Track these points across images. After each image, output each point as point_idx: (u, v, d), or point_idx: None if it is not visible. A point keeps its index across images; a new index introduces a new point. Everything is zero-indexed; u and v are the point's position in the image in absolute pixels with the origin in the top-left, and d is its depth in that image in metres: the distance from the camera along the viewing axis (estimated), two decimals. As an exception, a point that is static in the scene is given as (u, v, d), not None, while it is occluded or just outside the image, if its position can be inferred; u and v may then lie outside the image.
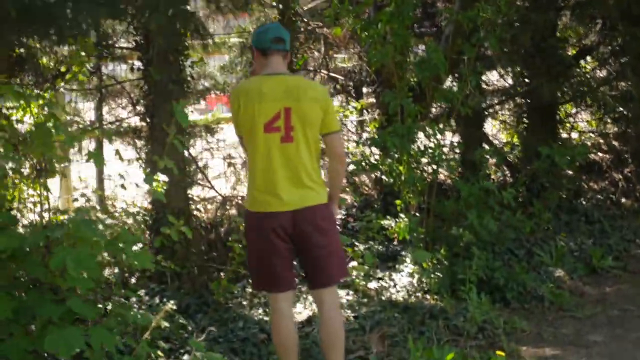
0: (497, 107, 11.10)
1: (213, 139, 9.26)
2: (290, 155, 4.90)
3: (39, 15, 5.16)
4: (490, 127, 11.55)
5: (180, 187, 7.64)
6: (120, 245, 4.64)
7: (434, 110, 9.20)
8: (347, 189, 10.64)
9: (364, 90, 10.69)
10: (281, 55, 5.10)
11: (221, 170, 9.53)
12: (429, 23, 10.21)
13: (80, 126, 8.41)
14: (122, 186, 5.45)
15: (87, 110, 9.09)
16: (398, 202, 7.94)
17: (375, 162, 7.57)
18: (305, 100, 4.92)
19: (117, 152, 5.22)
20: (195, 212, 8.64)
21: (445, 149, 8.04)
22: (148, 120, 7.61)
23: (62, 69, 7.81)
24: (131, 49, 7.88)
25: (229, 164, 9.49)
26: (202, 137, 9.20)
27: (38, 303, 4.30)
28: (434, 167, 7.76)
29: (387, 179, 7.68)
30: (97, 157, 5.46)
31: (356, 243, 8.28)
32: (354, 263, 7.51)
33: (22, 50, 7.51)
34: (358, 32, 7.79)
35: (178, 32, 7.37)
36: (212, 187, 8.78)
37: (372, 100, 10.18)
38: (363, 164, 7.52)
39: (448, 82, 9.05)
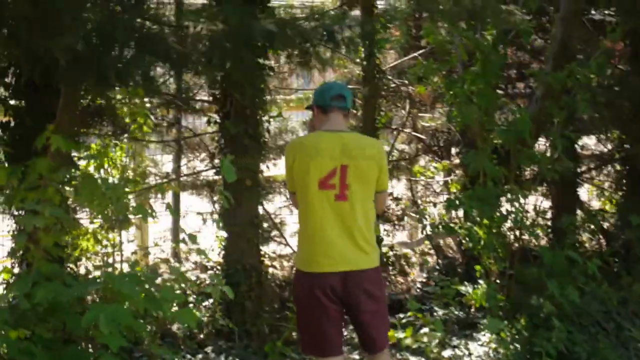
0: (594, 172, 10.74)
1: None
2: (344, 214, 4.84)
3: (86, 63, 5.16)
4: (586, 193, 11.19)
5: (253, 243, 7.59)
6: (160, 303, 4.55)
7: (525, 174, 8.96)
8: (430, 251, 10.45)
9: (453, 150, 10.51)
10: (341, 113, 5.08)
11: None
12: (523, 84, 10.00)
13: (158, 179, 8.53)
14: (183, 241, 5.38)
15: (164, 162, 9.15)
16: (478, 267, 7.70)
17: (453, 225, 7.36)
18: (363, 158, 4.89)
19: (169, 205, 5.16)
20: (270, 269, 8.60)
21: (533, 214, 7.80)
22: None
23: (127, 120, 7.91)
24: (209, 102, 7.92)
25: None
26: (282, 193, 9.17)
27: (74, 358, 4.25)
28: (517, 232, 7.50)
29: (466, 243, 7.45)
30: (172, 210, 5.46)
31: (435, 308, 8.06)
32: (425, 329, 7.28)
33: (102, 100, 7.65)
34: (443, 90, 7.67)
35: (257, 87, 7.37)
36: (287, 244, 8.69)
37: (458, 161, 9.99)
38: (440, 226, 7.31)
39: (541, 145, 8.81)
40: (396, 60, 9.48)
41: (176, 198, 8.70)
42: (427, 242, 10.42)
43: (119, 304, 4.35)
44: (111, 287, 4.49)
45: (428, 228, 7.50)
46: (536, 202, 9.68)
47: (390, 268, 9.86)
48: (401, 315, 7.52)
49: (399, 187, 10.52)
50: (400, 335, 7.10)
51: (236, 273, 7.52)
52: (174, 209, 8.51)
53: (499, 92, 7.64)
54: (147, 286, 4.69)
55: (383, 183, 5.03)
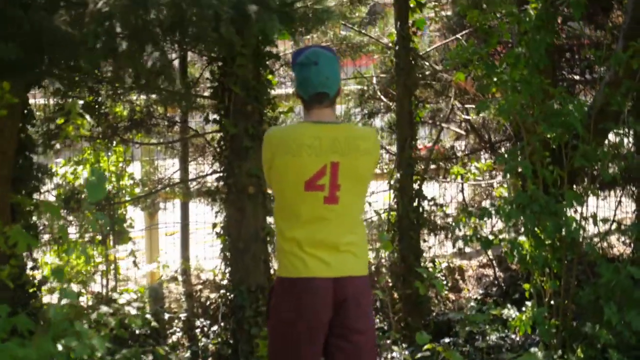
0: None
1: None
2: (333, 217, 4.32)
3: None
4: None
5: (259, 259, 6.91)
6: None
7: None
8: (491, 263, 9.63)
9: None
10: (327, 106, 4.38)
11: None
12: (588, 70, 9.07)
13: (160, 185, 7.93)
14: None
15: (167, 167, 8.53)
16: (526, 286, 6.86)
17: (492, 238, 6.53)
18: (357, 153, 4.35)
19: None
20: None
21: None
22: (223, 180, 6.93)
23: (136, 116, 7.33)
24: (207, 97, 7.26)
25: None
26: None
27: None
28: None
29: (510, 258, 6.61)
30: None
31: (474, 331, 7.28)
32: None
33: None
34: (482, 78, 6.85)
35: (259, 79, 6.70)
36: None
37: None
38: (474, 239, 6.49)
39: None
40: (437, 44, 8.65)
41: (184, 206, 8.09)
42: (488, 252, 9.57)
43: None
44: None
45: (460, 242, 6.68)
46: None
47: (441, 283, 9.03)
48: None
49: (449, 190, 9.70)
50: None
51: (240, 295, 6.85)
52: (182, 219, 7.93)
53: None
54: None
55: (370, 181, 4.59)
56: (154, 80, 6.47)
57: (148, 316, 5.70)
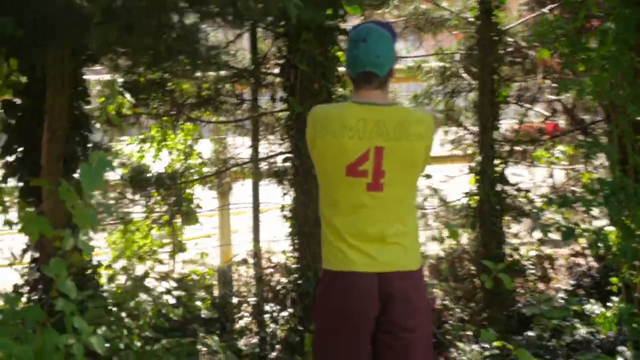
0: None
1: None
2: (377, 206, 4.05)
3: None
4: None
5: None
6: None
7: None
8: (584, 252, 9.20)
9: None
10: (376, 87, 4.10)
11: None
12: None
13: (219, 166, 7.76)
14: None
15: (239, 145, 8.32)
16: (614, 279, 6.46)
17: (575, 227, 6.14)
18: (407, 138, 4.07)
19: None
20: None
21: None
22: (290, 161, 6.72)
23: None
24: (275, 74, 7.04)
25: (422, 215, 8.40)
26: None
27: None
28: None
29: (594, 249, 6.22)
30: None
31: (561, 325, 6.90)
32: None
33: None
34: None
35: (327, 54, 6.45)
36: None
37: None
38: (552, 228, 6.11)
39: None
40: (523, 18, 8.21)
41: (255, 187, 7.87)
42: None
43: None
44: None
45: (536, 232, 6.32)
46: None
47: (529, 272, 8.67)
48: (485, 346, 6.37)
49: (536, 175, 9.26)
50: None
51: (307, 281, 6.65)
52: (254, 199, 7.73)
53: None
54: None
55: (424, 165, 4.21)
56: (214, 57, 6.29)
57: (199, 303, 5.48)
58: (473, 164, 7.72)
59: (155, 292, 5.52)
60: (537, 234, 9.28)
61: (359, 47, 4.11)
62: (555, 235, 8.62)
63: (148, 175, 7.12)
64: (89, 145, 5.95)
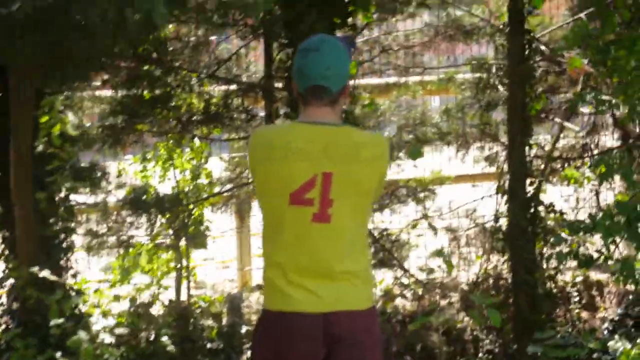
0: None
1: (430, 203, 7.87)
2: (324, 239, 3.74)
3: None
4: None
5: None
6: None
7: None
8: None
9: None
10: (325, 104, 3.76)
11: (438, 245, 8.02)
12: None
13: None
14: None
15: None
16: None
17: (589, 256, 5.67)
18: (358, 162, 3.76)
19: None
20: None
21: None
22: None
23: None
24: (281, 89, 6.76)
25: (453, 238, 7.96)
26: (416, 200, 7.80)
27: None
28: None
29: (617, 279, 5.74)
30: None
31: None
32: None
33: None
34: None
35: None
36: (402, 269, 7.37)
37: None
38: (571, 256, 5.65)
39: None
40: (558, 24, 7.76)
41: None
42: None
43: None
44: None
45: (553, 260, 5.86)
46: None
47: (573, 300, 8.18)
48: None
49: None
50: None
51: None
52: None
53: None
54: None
55: (376, 195, 3.94)
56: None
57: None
58: (501, 183, 7.28)
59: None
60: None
61: (308, 57, 3.77)
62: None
63: (147, 197, 6.87)
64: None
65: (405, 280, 7.82)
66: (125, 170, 7.22)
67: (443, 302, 7.76)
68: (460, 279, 8.05)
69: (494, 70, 7.87)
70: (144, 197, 6.92)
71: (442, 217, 8.04)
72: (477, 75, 8.02)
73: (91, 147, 6.66)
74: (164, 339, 6.58)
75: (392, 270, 7.68)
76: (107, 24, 4.27)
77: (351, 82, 6.71)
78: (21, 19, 4.20)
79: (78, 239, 7.05)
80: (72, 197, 6.83)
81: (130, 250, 7.06)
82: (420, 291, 7.57)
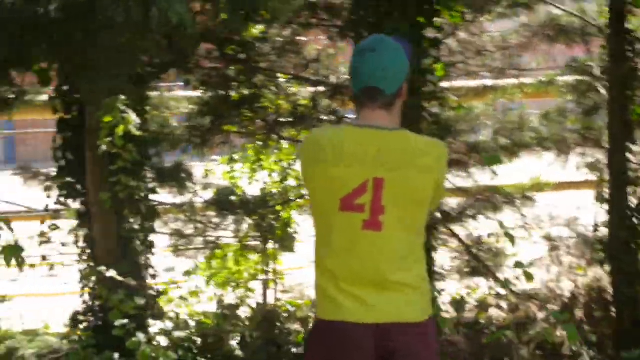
0: None
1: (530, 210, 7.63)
2: (375, 247, 3.61)
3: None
4: None
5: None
6: None
7: None
8: None
9: None
10: (379, 107, 3.63)
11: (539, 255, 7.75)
12: None
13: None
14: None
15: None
16: None
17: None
18: (412, 169, 3.62)
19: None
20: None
21: None
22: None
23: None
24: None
25: (553, 248, 7.67)
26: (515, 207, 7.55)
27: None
28: None
29: None
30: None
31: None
32: None
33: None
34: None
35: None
36: (496, 280, 7.10)
37: None
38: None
39: None
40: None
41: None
42: None
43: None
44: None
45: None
46: None
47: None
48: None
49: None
50: None
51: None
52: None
53: None
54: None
55: (435, 203, 3.78)
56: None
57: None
58: (600, 192, 6.98)
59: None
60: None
61: (365, 58, 3.65)
62: None
63: (234, 197, 6.84)
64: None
65: (501, 291, 7.60)
66: (213, 171, 7.23)
67: (540, 315, 7.51)
68: (560, 291, 7.78)
69: (596, 72, 7.61)
70: (231, 198, 6.91)
71: (541, 225, 7.77)
72: (578, 77, 7.76)
73: (176, 147, 6.68)
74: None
75: (486, 280, 7.47)
76: (132, 22, 4.24)
77: (442, 85, 6.69)
78: (51, 18, 4.23)
79: (164, 240, 7.13)
80: (160, 197, 6.92)
81: (217, 252, 7.07)
82: (514, 302, 7.32)
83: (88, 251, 6.21)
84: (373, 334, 3.57)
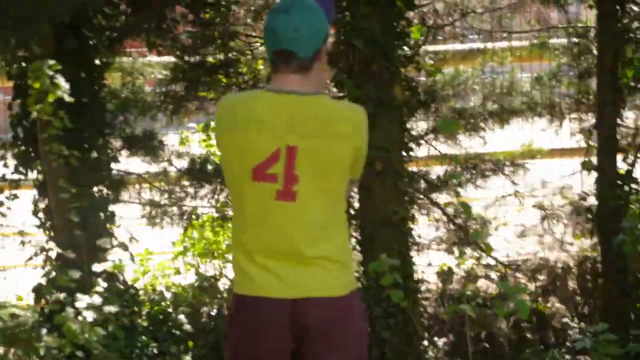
0: None
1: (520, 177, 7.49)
2: (289, 219, 3.49)
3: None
4: None
5: (393, 250, 6.02)
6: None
7: None
8: None
9: None
10: (294, 71, 3.45)
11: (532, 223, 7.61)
12: None
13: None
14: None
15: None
16: None
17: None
18: (327, 136, 3.47)
19: None
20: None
21: None
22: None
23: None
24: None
25: (544, 217, 7.50)
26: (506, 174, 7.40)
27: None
28: None
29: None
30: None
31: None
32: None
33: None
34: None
35: (390, 29, 5.80)
36: (482, 250, 6.94)
37: None
38: None
39: None
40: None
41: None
42: None
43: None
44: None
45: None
46: None
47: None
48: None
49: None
50: None
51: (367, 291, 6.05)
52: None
53: None
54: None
55: (355, 172, 3.62)
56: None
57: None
58: (587, 159, 6.78)
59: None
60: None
61: (278, 19, 3.46)
62: None
63: (210, 166, 6.72)
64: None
65: (491, 261, 7.46)
66: (189, 139, 7.10)
67: (531, 285, 7.36)
68: (552, 262, 7.62)
69: (591, 34, 7.38)
70: (208, 166, 6.80)
71: (533, 193, 7.59)
72: (573, 40, 7.53)
73: (146, 114, 6.56)
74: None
75: (474, 251, 7.32)
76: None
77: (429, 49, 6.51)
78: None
79: (138, 210, 7.04)
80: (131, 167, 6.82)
81: (194, 222, 6.97)
82: (502, 273, 7.18)
83: (49, 223, 6.15)
84: (288, 309, 3.45)
